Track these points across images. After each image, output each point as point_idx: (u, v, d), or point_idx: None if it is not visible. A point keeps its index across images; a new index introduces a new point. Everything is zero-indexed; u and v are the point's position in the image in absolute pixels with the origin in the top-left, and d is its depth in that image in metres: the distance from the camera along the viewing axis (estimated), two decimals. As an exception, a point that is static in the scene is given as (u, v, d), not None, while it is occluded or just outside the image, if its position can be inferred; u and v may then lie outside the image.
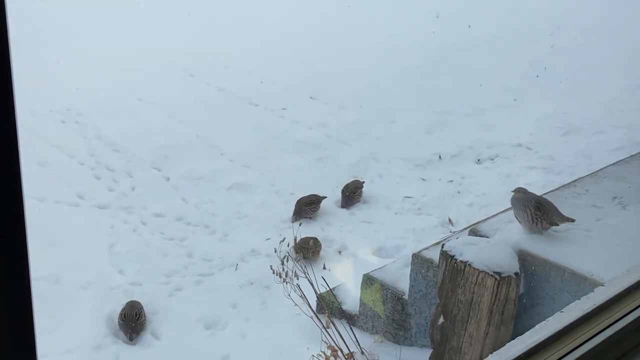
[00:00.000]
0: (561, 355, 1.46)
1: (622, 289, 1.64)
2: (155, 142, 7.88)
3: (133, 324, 5.25)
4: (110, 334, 5.30)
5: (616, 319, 1.57)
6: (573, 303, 1.61)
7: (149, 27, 10.82)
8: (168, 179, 7.34)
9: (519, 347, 1.46)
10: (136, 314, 5.29)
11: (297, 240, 6.00)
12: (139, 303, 5.43)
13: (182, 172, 7.43)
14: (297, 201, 6.75)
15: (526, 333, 1.51)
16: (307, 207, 6.74)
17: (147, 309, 5.46)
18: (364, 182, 7.17)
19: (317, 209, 6.76)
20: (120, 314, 5.35)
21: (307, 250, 6.02)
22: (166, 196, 7.05)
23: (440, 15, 11.74)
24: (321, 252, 6.14)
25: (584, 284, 3.80)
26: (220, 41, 10.56)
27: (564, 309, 1.59)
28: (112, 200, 6.90)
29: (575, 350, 1.48)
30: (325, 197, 6.91)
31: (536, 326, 1.53)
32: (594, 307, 1.56)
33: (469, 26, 11.23)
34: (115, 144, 7.82)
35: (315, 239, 6.16)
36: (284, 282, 4.40)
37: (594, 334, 1.52)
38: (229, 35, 10.74)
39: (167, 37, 10.61)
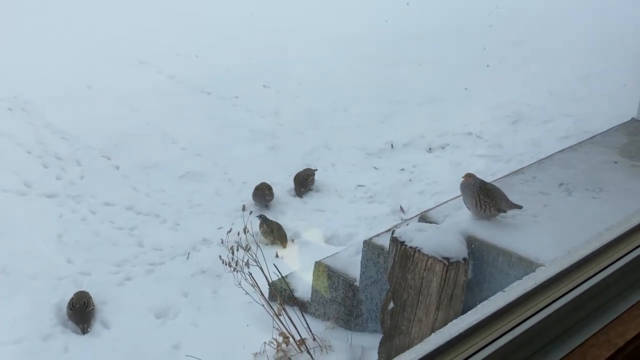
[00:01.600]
0: (503, 332, 1.48)
1: (563, 268, 1.67)
2: (105, 131, 7.77)
3: (82, 314, 5.19)
4: (59, 324, 5.23)
5: (557, 297, 1.59)
6: (515, 282, 1.63)
7: (99, 13, 10.66)
8: (118, 167, 7.25)
9: (461, 325, 1.47)
10: (85, 303, 5.23)
11: (263, 226, 6.11)
12: (87, 293, 5.37)
13: (132, 160, 7.35)
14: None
15: (469, 312, 1.52)
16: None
17: (96, 299, 5.40)
18: (316, 170, 7.18)
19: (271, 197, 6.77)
20: (69, 303, 5.28)
21: (274, 234, 6.13)
22: (116, 185, 6.97)
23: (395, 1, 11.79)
24: (273, 238, 6.18)
25: (530, 268, 3.85)
26: (171, 28, 10.45)
27: (506, 289, 1.61)
28: (60, 189, 6.79)
29: (517, 327, 1.50)
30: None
31: (478, 305, 1.55)
32: (535, 285, 1.58)
33: (407, 4, 11.29)
34: (63, 132, 7.70)
35: (278, 224, 6.29)
36: (234, 271, 4.39)
37: (535, 311, 1.54)
38: (181, 22, 10.63)
39: (117, 24, 10.46)
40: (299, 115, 8.40)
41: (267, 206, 6.75)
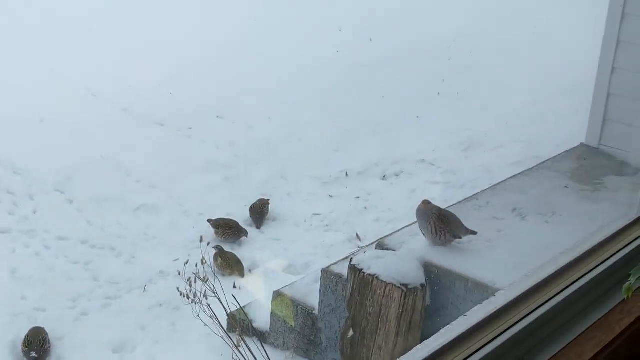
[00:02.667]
0: (466, 357, 1.52)
1: (522, 292, 1.72)
2: (58, 164, 7.68)
3: (37, 351, 5.10)
4: (14, 362, 5.13)
5: (516, 320, 1.64)
6: (476, 307, 1.68)
7: (49, 44, 10.55)
8: (71, 201, 7.17)
9: (424, 350, 1.51)
10: (40, 340, 5.15)
11: (219, 258, 6.12)
12: (43, 329, 5.29)
13: (86, 194, 7.27)
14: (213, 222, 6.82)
15: (432, 337, 1.56)
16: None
17: (52, 335, 5.32)
18: (268, 200, 7.18)
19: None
20: (24, 340, 5.19)
21: (232, 266, 6.14)
22: (70, 219, 6.88)
23: (343, 30, 11.91)
24: (231, 271, 6.17)
25: (487, 292, 3.92)
26: (123, 60, 10.39)
27: (467, 313, 1.65)
28: (13, 224, 6.68)
29: (479, 351, 1.54)
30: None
31: (441, 330, 1.59)
32: (495, 309, 1.63)
33: (370, 39, 11.45)
34: (15, 166, 7.59)
35: (234, 255, 6.31)
36: (192, 303, 4.38)
37: (496, 335, 1.58)
38: (133, 53, 10.59)
39: (68, 55, 10.37)
40: (253, 145, 8.42)
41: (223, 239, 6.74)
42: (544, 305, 1.70)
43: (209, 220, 6.77)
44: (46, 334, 5.25)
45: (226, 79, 9.98)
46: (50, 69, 9.90)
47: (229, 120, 9.03)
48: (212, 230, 6.69)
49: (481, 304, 1.72)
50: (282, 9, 12.50)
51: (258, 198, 7.24)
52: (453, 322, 1.61)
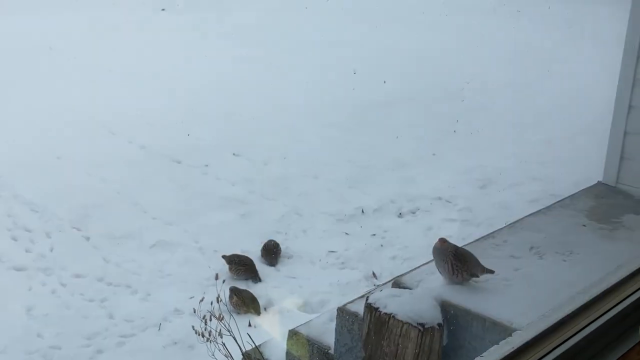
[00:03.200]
0: (482, 398, 1.51)
1: (539, 332, 1.70)
2: (75, 201, 7.73)
3: (52, 389, 5.09)
4: (28, 400, 5.12)
5: (534, 361, 1.63)
6: (492, 347, 1.67)
7: (68, 83, 10.71)
8: (88, 238, 7.20)
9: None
10: (55, 378, 5.14)
11: (234, 296, 6.13)
12: (58, 367, 5.28)
13: (102, 231, 7.30)
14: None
15: (448, 378, 1.55)
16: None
17: (66, 373, 5.31)
18: (277, 243, 7.15)
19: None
20: (39, 378, 5.18)
21: (247, 304, 6.13)
22: (86, 256, 6.90)
23: (358, 73, 12.01)
24: (247, 309, 6.15)
25: (505, 332, 3.88)
26: (141, 98, 10.53)
27: (484, 354, 1.64)
28: (29, 262, 6.72)
29: (496, 394, 1.53)
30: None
31: (458, 371, 1.57)
32: (512, 350, 1.62)
33: (384, 82, 11.52)
34: (33, 203, 7.65)
35: (250, 293, 6.30)
36: (207, 341, 4.36)
37: (513, 376, 1.57)
38: (151, 92, 10.72)
39: (87, 93, 10.51)
40: (269, 182, 8.45)
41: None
42: (561, 346, 1.69)
43: (224, 257, 6.78)
44: (61, 372, 5.24)
45: (243, 118, 10.08)
46: (68, 107, 10.04)
47: (244, 158, 9.08)
48: (226, 267, 6.69)
49: (498, 344, 1.71)
50: (297, 52, 12.64)
51: (272, 235, 7.26)
52: (470, 363, 1.60)
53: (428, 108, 10.43)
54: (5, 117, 9.69)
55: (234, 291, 6.23)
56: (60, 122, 9.57)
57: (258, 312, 6.18)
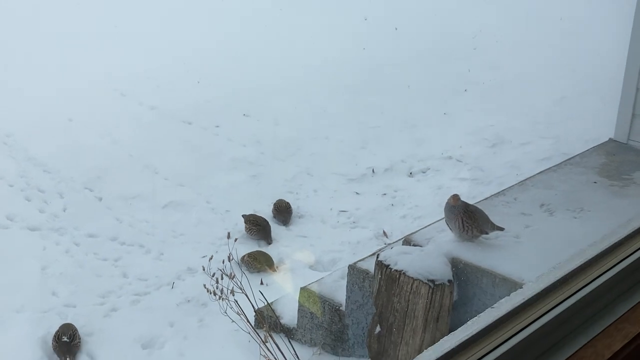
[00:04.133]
0: (493, 347, 1.51)
1: (549, 283, 1.70)
2: (87, 163, 7.76)
3: (68, 347, 5.15)
4: (45, 357, 5.20)
5: (544, 311, 1.62)
6: (504, 299, 1.66)
7: (77, 45, 10.66)
8: (100, 199, 7.24)
9: (452, 341, 1.50)
10: (70, 335, 5.20)
11: (246, 255, 6.21)
12: (73, 325, 5.34)
13: (115, 192, 7.34)
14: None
15: (459, 328, 1.55)
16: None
17: (82, 331, 5.37)
18: (289, 202, 7.16)
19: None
20: (55, 336, 5.24)
21: (260, 262, 6.19)
22: (99, 216, 6.95)
23: (369, 19, 11.92)
24: (260, 266, 6.19)
25: (514, 288, 3.88)
26: (151, 59, 10.48)
27: (495, 305, 1.64)
28: (43, 222, 6.77)
29: (507, 342, 1.53)
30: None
31: (468, 322, 1.58)
32: (523, 301, 1.61)
33: (396, 28, 11.44)
34: (45, 164, 7.68)
35: (261, 252, 6.37)
36: (219, 299, 4.39)
37: (523, 326, 1.57)
38: (160, 53, 10.66)
39: (96, 55, 10.47)
40: (279, 143, 8.44)
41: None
42: (572, 297, 1.69)
43: (243, 216, 6.83)
44: (76, 330, 5.30)
45: (253, 78, 10.02)
46: (79, 69, 10.01)
47: (255, 118, 9.06)
48: (242, 227, 6.73)
49: (509, 296, 1.71)
50: (306, 6, 12.53)
51: (283, 196, 7.30)
52: (480, 314, 1.60)
53: (438, 67, 10.35)
54: (17, 79, 9.68)
55: (247, 253, 6.28)
56: (71, 84, 9.55)
57: (272, 268, 6.22)
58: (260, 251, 6.38)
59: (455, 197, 4.32)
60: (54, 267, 6.17)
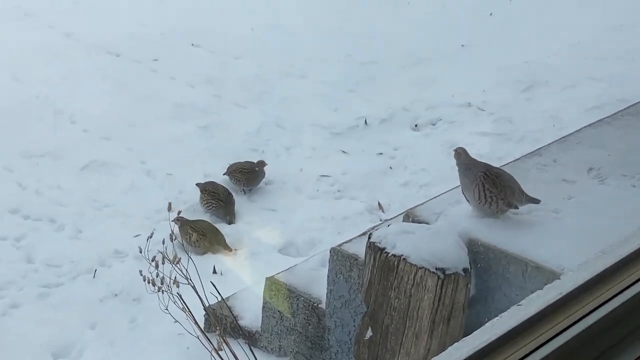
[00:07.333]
0: (520, 357, 1.52)
1: (595, 273, 1.71)
2: (-22, 106, 7.71)
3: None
4: None
5: (588, 310, 1.64)
6: (534, 294, 1.68)
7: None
8: (-3, 157, 7.21)
9: (464, 349, 1.51)
10: (-43, 340, 5.20)
11: (192, 232, 6.25)
12: (-40, 326, 5.34)
13: (17, 147, 7.30)
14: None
15: (475, 332, 1.56)
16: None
17: (-28, 334, 5.37)
18: (260, 161, 7.16)
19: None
20: None
21: (208, 238, 6.24)
22: (-5, 180, 6.93)
23: None
24: (208, 244, 6.23)
25: (550, 280, 3.91)
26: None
27: (523, 302, 1.65)
28: None
29: (538, 351, 1.55)
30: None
31: (487, 323, 1.59)
32: (561, 296, 1.63)
33: None
34: None
35: (209, 224, 6.40)
36: (159, 292, 4.39)
37: (560, 329, 1.59)
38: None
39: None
40: (240, 83, 8.41)
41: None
42: (625, 292, 1.70)
43: (198, 184, 6.85)
44: (-36, 332, 5.30)
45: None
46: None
47: (207, 50, 9.01)
48: (187, 196, 6.78)
49: (542, 289, 1.72)
50: None
51: (245, 155, 7.28)
52: (503, 313, 1.62)
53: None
54: None
55: (186, 223, 6.28)
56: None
57: (226, 247, 6.24)
58: (206, 222, 6.39)
59: (458, 151, 4.33)
60: None
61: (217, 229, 6.37)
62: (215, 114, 7.96)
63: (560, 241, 4.19)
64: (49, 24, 9.26)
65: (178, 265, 4.42)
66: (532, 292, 3.76)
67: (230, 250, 6.27)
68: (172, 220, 6.10)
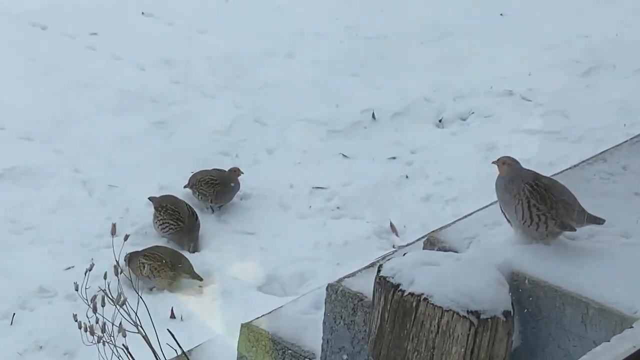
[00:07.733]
0: None
1: (681, 320, 1.72)
2: None
3: None
4: None
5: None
6: (599, 347, 1.68)
7: None
8: None
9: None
10: None
11: (143, 262, 6.26)
12: None
13: None
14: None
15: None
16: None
17: None
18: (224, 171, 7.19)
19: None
20: None
21: (165, 271, 6.28)
22: None
23: None
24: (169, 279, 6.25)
25: (621, 327, 3.92)
26: None
27: (586, 356, 1.66)
28: None
29: None
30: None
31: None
32: (635, 350, 1.63)
33: None
34: None
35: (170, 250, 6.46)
36: (99, 342, 4.40)
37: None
38: None
39: None
40: (206, 65, 8.42)
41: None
42: None
43: (151, 198, 6.88)
44: None
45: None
46: None
47: (162, 20, 9.03)
48: (135, 213, 6.80)
49: (609, 341, 1.73)
50: None
51: (214, 160, 7.29)
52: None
53: None
54: None
55: (135, 255, 6.28)
56: None
57: (195, 276, 6.26)
58: (164, 247, 6.39)
59: (505, 161, 4.34)
60: None
61: (180, 253, 6.39)
62: (173, 106, 7.98)
63: (632, 276, 4.21)
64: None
65: (125, 307, 4.43)
66: (595, 343, 3.77)
67: (201, 279, 6.28)
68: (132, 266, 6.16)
